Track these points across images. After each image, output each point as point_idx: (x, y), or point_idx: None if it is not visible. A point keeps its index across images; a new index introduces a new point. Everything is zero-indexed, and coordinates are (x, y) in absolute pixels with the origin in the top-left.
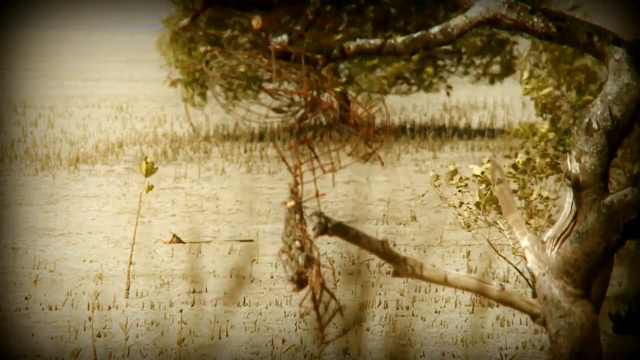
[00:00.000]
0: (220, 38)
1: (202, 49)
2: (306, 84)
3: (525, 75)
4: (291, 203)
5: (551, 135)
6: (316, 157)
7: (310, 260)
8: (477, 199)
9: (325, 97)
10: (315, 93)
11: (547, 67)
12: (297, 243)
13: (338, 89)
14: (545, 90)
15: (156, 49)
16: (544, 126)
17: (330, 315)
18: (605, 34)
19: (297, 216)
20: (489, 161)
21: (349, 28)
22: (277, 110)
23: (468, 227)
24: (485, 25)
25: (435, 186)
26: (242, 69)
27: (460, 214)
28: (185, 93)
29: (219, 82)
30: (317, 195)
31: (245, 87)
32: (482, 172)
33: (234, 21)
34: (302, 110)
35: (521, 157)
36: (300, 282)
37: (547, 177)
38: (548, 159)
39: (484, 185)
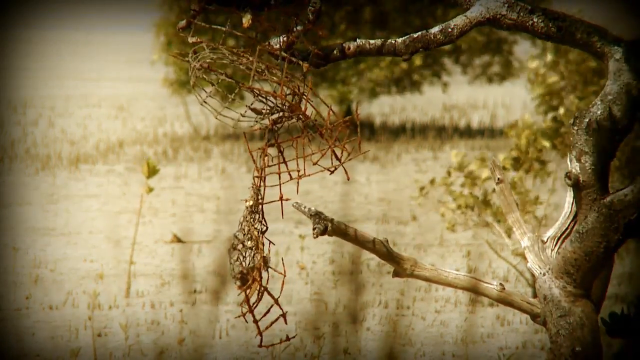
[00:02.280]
0: (217, 36)
1: (190, 39)
2: (283, 87)
3: (534, 64)
4: (250, 202)
5: (530, 130)
6: (284, 161)
7: (262, 262)
8: (468, 201)
9: (304, 103)
10: (292, 98)
11: (552, 56)
12: (249, 243)
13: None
14: (551, 79)
15: (153, 47)
16: (518, 127)
17: (272, 321)
18: (605, 34)
19: (255, 216)
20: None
21: (347, 29)
22: (253, 110)
23: (453, 227)
24: (485, 25)
25: (422, 195)
26: (228, 66)
27: (443, 215)
28: (176, 88)
29: (200, 74)
30: (280, 199)
31: (228, 84)
32: (459, 162)
33: (232, 24)
34: (278, 113)
35: (508, 156)
36: (243, 280)
37: (537, 173)
38: (535, 154)
39: (469, 188)
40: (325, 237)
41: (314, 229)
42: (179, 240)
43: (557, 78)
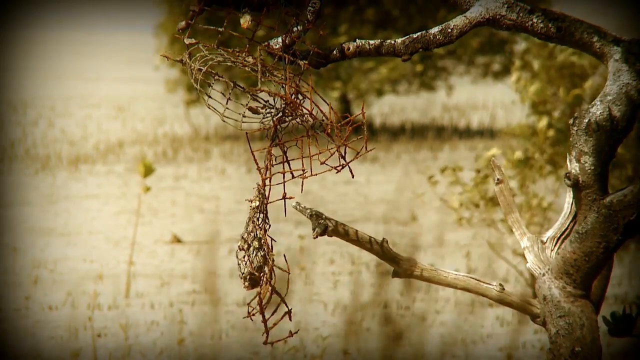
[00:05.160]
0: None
1: (186, 40)
2: (284, 87)
3: (515, 76)
4: (255, 203)
5: (550, 132)
6: (287, 161)
7: (265, 262)
8: (475, 198)
9: (306, 102)
10: (295, 97)
11: (537, 65)
12: (256, 243)
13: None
14: (533, 87)
15: (156, 51)
16: (542, 123)
17: (278, 319)
18: (605, 34)
19: (261, 216)
20: (493, 155)
21: (350, 30)
22: (254, 110)
23: (460, 220)
24: (484, 25)
25: (432, 183)
26: (232, 67)
27: (456, 209)
28: (186, 96)
29: (197, 75)
30: (284, 198)
31: (226, 85)
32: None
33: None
34: (280, 113)
35: (518, 155)
36: (252, 281)
37: (546, 175)
38: (546, 156)
39: (478, 185)
40: (325, 237)
41: (313, 230)
42: (178, 241)
43: (542, 86)
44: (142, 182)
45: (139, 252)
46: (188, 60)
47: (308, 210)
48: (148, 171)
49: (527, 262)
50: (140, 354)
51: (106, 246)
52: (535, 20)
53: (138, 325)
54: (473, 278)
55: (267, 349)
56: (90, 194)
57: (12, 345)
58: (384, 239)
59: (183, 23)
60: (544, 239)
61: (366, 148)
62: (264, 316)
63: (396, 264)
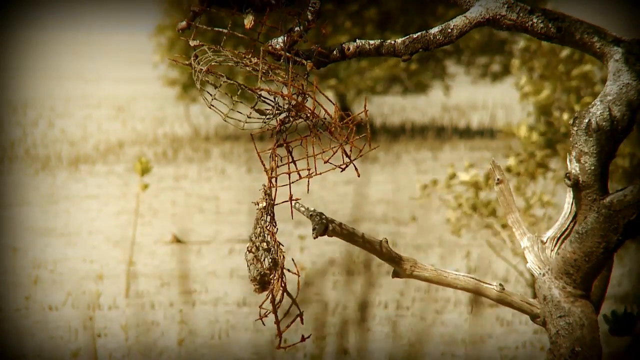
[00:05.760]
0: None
1: (191, 42)
2: (290, 87)
3: (523, 79)
4: (263, 204)
5: (534, 136)
6: (293, 161)
7: (275, 263)
8: (470, 203)
9: (310, 102)
10: (299, 97)
11: (541, 70)
12: (265, 245)
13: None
14: (543, 94)
15: (155, 51)
16: (522, 131)
17: (290, 322)
18: (605, 34)
19: (268, 218)
20: (471, 165)
21: (351, 29)
22: (259, 111)
23: (458, 232)
24: (484, 25)
25: (423, 195)
26: (234, 68)
27: (449, 220)
28: (180, 93)
29: (202, 76)
30: (290, 199)
31: (234, 86)
32: (472, 177)
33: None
34: (285, 113)
35: (513, 160)
36: (262, 283)
37: (540, 176)
38: (537, 159)
39: (472, 191)
40: (325, 237)
41: (313, 230)
42: (178, 241)
43: (548, 92)
44: (139, 180)
45: (139, 252)
46: (194, 63)
47: (308, 211)
48: (145, 169)
49: (527, 262)
50: (140, 354)
51: (106, 246)
52: (535, 20)
53: (138, 325)
54: (473, 278)
55: (266, 349)
56: (90, 194)
57: (12, 345)
58: (384, 238)
59: (184, 23)
60: (544, 239)
61: (370, 146)
62: (277, 318)
63: (396, 264)
